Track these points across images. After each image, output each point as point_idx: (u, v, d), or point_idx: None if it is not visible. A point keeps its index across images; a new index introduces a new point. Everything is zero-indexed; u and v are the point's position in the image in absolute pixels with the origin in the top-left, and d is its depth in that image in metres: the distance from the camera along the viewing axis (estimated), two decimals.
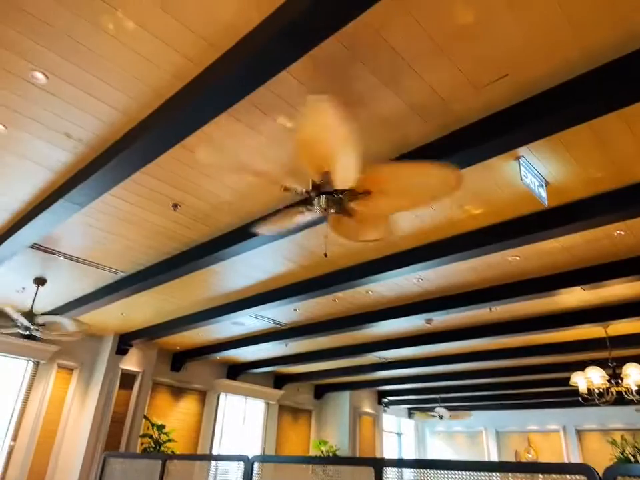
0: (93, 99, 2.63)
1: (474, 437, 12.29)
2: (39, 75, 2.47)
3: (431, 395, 10.53)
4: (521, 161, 2.95)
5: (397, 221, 3.54)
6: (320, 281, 4.89)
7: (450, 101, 2.52)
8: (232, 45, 2.22)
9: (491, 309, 5.45)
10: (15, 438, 6.53)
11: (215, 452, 8.60)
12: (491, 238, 3.71)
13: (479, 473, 2.32)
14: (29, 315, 5.18)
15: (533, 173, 3.05)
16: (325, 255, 2.94)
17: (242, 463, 3.43)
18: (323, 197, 2.32)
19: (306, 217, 2.54)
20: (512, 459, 11.24)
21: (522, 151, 2.87)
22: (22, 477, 6.43)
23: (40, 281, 5.37)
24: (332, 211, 2.35)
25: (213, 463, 3.93)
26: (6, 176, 3.41)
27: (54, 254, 4.64)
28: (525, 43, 2.15)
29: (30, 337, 6.01)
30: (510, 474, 2.27)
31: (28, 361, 6.89)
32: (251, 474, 3.31)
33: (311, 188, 2.37)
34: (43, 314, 5.35)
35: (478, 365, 8.16)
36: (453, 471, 2.43)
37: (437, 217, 3.65)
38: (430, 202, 2.41)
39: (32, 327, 5.20)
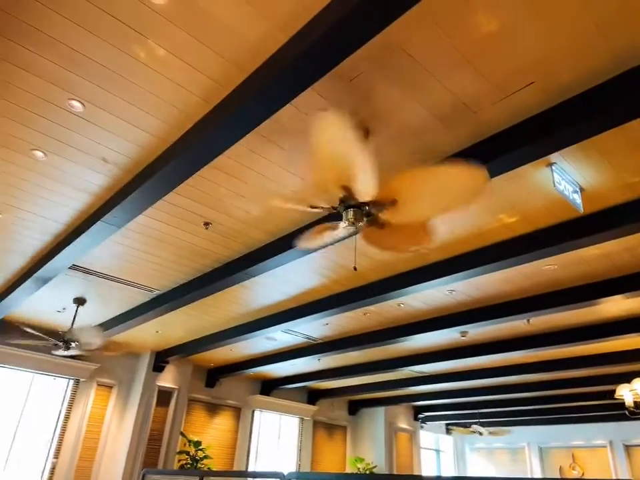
0: (128, 124, 2.73)
1: (515, 454, 11.86)
2: (76, 104, 2.59)
3: (469, 410, 10.25)
4: (553, 168, 2.88)
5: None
6: (350, 295, 4.87)
7: (477, 110, 2.50)
8: (258, 66, 2.27)
9: (528, 321, 5.30)
10: (57, 455, 6.70)
11: (250, 468, 8.59)
12: (525, 247, 3.62)
13: None
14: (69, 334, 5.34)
15: (567, 179, 2.97)
16: (355, 269, 2.93)
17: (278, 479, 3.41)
18: (350, 211, 2.33)
19: (340, 231, 2.54)
20: (556, 476, 10.78)
21: (554, 157, 2.81)
22: None
23: (80, 301, 5.54)
24: (361, 224, 2.35)
25: (249, 479, 3.93)
26: (47, 200, 3.56)
27: (92, 274, 4.79)
28: (552, 50, 2.12)
29: (70, 355, 6.21)
30: None
31: (69, 379, 7.09)
32: None
33: (338, 203, 2.38)
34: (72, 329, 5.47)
35: (517, 378, 7.92)
36: None
37: (468, 227, 3.60)
38: (460, 205, 2.28)
39: (73, 345, 5.36)
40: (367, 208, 2.34)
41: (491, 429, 10.39)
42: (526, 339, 6.02)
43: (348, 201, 2.32)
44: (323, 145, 1.98)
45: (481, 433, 10.13)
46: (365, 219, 2.35)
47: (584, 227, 3.33)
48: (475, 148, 2.74)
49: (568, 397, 8.92)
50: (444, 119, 2.57)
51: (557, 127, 2.40)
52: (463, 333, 5.86)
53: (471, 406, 10.17)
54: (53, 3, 2.04)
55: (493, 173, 2.76)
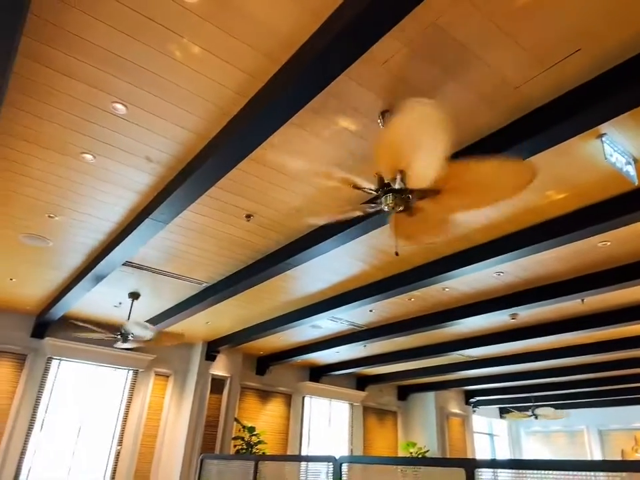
0: (168, 123, 2.81)
1: (574, 437, 11.51)
2: (119, 106, 2.69)
3: (523, 393, 10.01)
4: (604, 139, 2.74)
5: (466, 216, 3.43)
6: (394, 281, 4.84)
7: (519, 84, 2.41)
8: (290, 56, 2.28)
9: (582, 300, 5.10)
10: (120, 442, 7.09)
11: (303, 453, 8.78)
12: (577, 224, 3.48)
13: (582, 473, 2.17)
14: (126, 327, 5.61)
15: (619, 150, 2.82)
16: (396, 254, 2.90)
17: (330, 464, 3.48)
18: (390, 196, 2.31)
19: (362, 211, 2.56)
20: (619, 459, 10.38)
21: (604, 128, 2.67)
22: (129, 477, 6.97)
23: (134, 295, 5.80)
24: (400, 208, 2.33)
25: (303, 463, 4.02)
26: (98, 201, 3.73)
27: (144, 269, 4.99)
28: (595, 13, 2.01)
29: (128, 347, 6.51)
30: (617, 473, 2.11)
31: (128, 370, 7.46)
32: (340, 474, 3.35)
33: (378, 187, 2.36)
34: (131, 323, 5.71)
35: (573, 360, 7.64)
36: (552, 472, 2.30)
37: (515, 206, 3.49)
38: (502, 198, 2.33)
39: (130, 338, 5.63)
40: (408, 195, 2.31)
41: (547, 410, 10.08)
42: (580, 319, 5.80)
43: (390, 186, 2.30)
44: (403, 125, 1.93)
45: (536, 416, 9.86)
46: (403, 204, 2.33)
47: (639, 200, 3.16)
48: (518, 123, 2.64)
49: (628, 377, 8.55)
50: (484, 96, 2.49)
51: (606, 95, 2.28)
52: (513, 316, 5.72)
53: (524, 389, 9.92)
54: (94, 11, 2.12)
55: (539, 148, 2.66)
